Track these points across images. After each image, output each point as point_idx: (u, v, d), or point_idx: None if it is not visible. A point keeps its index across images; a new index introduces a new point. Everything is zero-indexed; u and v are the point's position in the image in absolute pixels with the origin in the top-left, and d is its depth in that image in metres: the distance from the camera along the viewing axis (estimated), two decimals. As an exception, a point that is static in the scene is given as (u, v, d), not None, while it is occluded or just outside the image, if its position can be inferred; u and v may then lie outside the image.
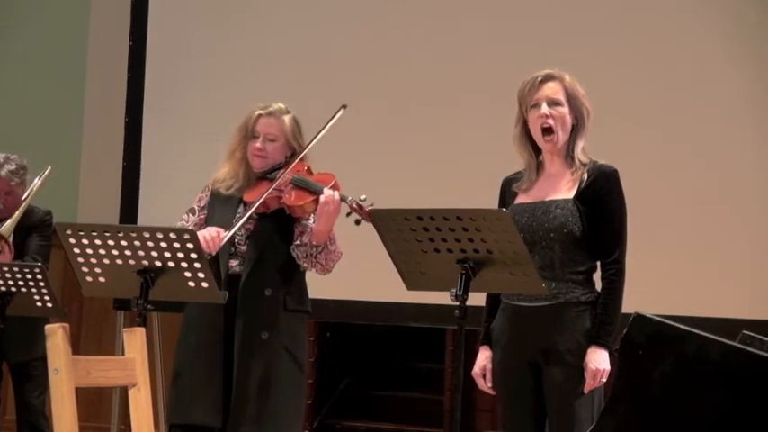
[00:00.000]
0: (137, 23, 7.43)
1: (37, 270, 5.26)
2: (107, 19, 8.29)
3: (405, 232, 3.81)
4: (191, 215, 4.83)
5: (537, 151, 4.20)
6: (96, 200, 7.96)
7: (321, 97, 6.79)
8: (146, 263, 4.21)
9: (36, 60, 8.67)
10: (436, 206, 3.84)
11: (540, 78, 4.14)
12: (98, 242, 4.22)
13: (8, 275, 5.27)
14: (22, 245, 5.95)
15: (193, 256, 4.18)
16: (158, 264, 4.21)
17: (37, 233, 5.99)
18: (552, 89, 4.12)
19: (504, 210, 3.92)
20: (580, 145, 4.13)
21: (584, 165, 4.11)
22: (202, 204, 4.83)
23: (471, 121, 6.39)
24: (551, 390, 4.04)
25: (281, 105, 4.82)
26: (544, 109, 4.10)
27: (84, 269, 4.28)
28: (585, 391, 3.99)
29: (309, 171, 4.74)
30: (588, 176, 4.09)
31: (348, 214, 4.55)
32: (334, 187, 4.62)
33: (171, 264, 4.20)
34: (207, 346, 4.62)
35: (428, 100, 6.57)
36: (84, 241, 4.23)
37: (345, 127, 6.70)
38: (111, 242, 4.21)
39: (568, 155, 4.14)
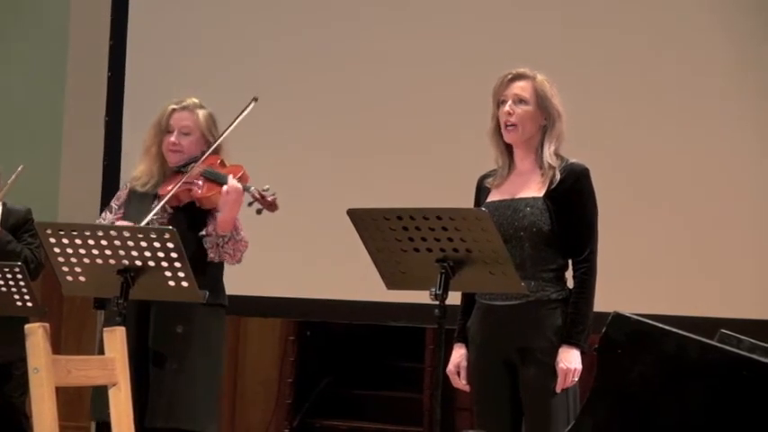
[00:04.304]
0: (117, 23, 7.42)
1: (17, 269, 5.25)
2: (87, 18, 8.26)
3: (384, 232, 3.82)
4: (108, 213, 4.87)
5: (510, 148, 4.20)
6: (77, 199, 7.93)
7: (305, 97, 6.82)
8: (126, 262, 4.22)
9: (16, 59, 8.63)
10: (415, 205, 3.85)
11: (509, 77, 4.15)
12: (78, 242, 4.22)
13: (-13, 275, 5.25)
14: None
15: (174, 255, 4.19)
16: (138, 263, 4.21)
17: (27, 234, 5.95)
18: (521, 87, 4.13)
19: (483, 209, 3.93)
20: (550, 147, 4.12)
21: (552, 167, 4.10)
22: (120, 202, 4.86)
23: (452, 119, 6.39)
24: (527, 389, 4.05)
25: (195, 100, 4.85)
26: (508, 106, 4.11)
27: (65, 269, 4.28)
28: (557, 390, 4.00)
29: (222, 164, 4.78)
30: (559, 175, 4.09)
31: (250, 204, 4.61)
32: (242, 178, 4.67)
33: (151, 263, 4.21)
34: None
35: (406, 96, 6.56)
36: (65, 241, 4.23)
37: (328, 126, 6.74)
38: (91, 242, 4.21)
39: (538, 154, 4.15)
